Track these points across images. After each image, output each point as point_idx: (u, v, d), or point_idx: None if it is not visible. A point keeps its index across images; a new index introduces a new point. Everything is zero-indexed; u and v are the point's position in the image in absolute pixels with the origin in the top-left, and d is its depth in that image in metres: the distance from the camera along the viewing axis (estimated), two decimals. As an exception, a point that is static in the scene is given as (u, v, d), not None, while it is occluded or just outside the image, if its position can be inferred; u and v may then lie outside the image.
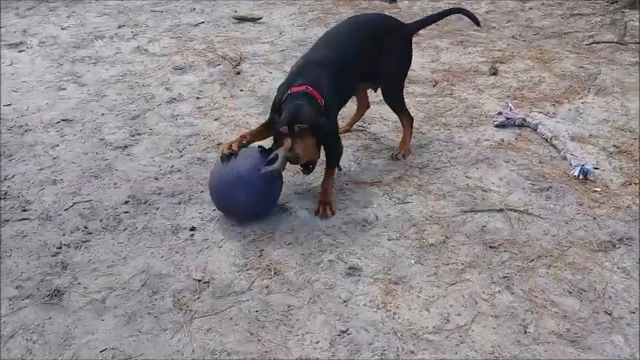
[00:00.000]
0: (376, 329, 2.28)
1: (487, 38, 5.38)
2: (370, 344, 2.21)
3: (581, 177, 3.15)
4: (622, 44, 5.06)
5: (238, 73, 4.79)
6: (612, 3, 6.20)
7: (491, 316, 2.33)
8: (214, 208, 3.03)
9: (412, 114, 3.54)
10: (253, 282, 2.55)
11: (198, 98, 4.39)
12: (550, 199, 3.02)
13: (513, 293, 2.43)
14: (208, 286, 2.53)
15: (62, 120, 4.05)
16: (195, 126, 3.97)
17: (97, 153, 3.66)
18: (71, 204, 3.13)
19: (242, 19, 6.16)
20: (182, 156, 3.61)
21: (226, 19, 6.19)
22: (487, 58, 4.91)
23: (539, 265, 2.58)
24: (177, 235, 2.88)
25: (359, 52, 3.19)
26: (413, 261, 2.64)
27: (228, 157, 2.87)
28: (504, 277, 2.52)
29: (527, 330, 2.25)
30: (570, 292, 2.42)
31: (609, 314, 2.30)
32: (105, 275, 2.61)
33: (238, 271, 2.62)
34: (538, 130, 3.66)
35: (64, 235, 2.90)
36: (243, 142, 2.99)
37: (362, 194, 3.13)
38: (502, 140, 3.62)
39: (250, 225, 2.88)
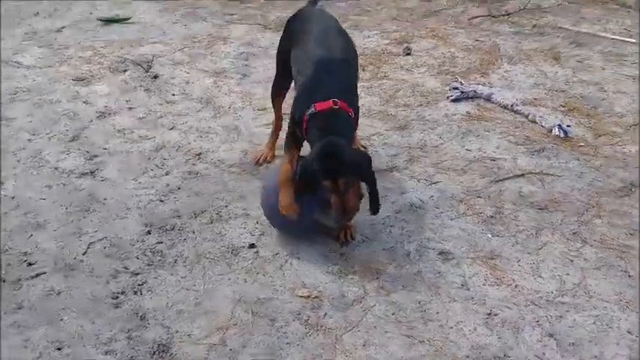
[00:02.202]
0: (514, 304, 2.35)
1: (372, 21, 5.58)
2: (523, 319, 2.28)
3: (562, 135, 3.50)
4: (495, 17, 5.64)
5: (156, 77, 4.39)
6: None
7: (593, 268, 2.54)
8: (256, 220, 2.81)
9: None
10: (365, 286, 2.44)
11: (130, 109, 3.95)
12: (552, 159, 3.33)
13: (592, 245, 2.67)
14: (323, 301, 2.36)
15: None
16: (153, 139, 3.58)
17: (64, 184, 3.13)
18: (86, 246, 2.65)
19: (109, 21, 5.60)
20: (168, 173, 3.25)
21: (88, 22, 5.58)
22: (390, 40, 5.12)
23: (590, 216, 2.86)
24: (240, 255, 2.62)
25: (349, 50, 2.97)
26: (489, 235, 2.74)
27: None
28: (574, 234, 2.75)
29: (630, 274, 2.50)
30: (632, 234, 2.73)
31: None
32: (202, 315, 2.29)
33: (340, 279, 2.48)
34: (492, 99, 3.97)
35: (108, 282, 2.46)
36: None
37: (390, 181, 3.13)
38: (468, 112, 3.86)
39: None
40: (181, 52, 4.90)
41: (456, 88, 4.04)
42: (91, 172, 3.24)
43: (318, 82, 2.57)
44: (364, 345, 2.16)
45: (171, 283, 2.45)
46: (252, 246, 2.67)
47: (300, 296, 2.38)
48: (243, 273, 2.50)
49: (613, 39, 5.09)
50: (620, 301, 2.36)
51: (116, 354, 2.11)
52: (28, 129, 3.65)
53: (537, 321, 2.27)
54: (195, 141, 3.56)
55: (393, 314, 2.30)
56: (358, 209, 2.47)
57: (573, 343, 2.17)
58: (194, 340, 2.17)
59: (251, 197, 3.00)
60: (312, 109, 2.46)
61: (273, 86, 3.20)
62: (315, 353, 2.12)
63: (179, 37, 5.23)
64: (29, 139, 3.54)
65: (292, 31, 2.96)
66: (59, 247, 2.65)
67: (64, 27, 5.41)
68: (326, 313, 2.30)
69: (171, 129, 3.70)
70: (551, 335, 2.20)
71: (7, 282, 2.42)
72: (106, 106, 3.96)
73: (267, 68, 4.52)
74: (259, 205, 2.77)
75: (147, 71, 4.46)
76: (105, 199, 3.00)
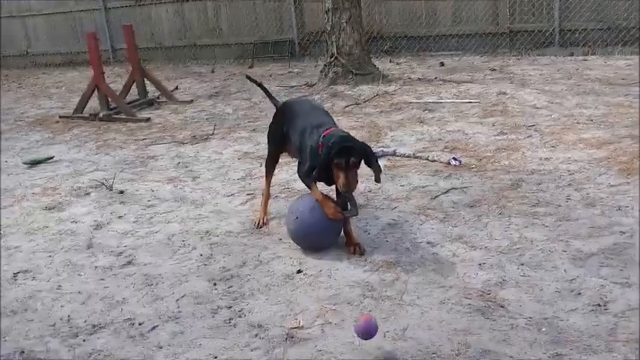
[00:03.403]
0: (491, 256, 3.53)
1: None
2: (501, 261, 3.45)
3: (458, 164, 4.92)
4: (359, 104, 7.17)
5: (122, 192, 5.11)
6: (311, 86, 8.39)
7: (523, 228, 3.83)
8: (289, 257, 3.72)
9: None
10: (393, 271, 3.47)
11: (120, 217, 4.63)
12: (460, 179, 4.68)
13: (515, 217, 3.98)
14: (373, 285, 3.34)
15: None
16: (160, 231, 4.32)
17: (115, 275, 3.76)
18: (175, 303, 3.36)
19: (35, 163, 6.17)
20: (194, 248, 4.01)
21: (14, 167, 6.11)
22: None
23: (504, 202, 4.20)
24: (294, 279, 3.50)
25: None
26: (450, 227, 3.94)
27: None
28: (500, 214, 4.05)
29: (546, 225, 3.84)
30: (534, 205, 4.11)
31: None
32: (300, 314, 3.14)
33: (375, 272, 3.48)
34: (397, 153, 5.32)
35: (213, 317, 3.20)
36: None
37: (362, 213, 4.23)
38: (385, 165, 5.14)
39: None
40: (124, 172, 5.64)
41: (369, 151, 5.32)
42: (129, 262, 3.89)
43: (318, 125, 3.68)
44: (418, 297, 3.16)
45: (261, 304, 3.25)
46: (299, 272, 3.56)
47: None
48: (306, 286, 3.39)
49: (450, 102, 6.84)
50: (548, 239, 3.64)
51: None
52: (39, 250, 4.17)
53: (510, 260, 3.45)
54: (196, 225, 4.35)
55: (423, 279, 3.34)
56: (357, 185, 3.48)
57: (535, 265, 3.38)
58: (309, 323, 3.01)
59: (272, 246, 3.89)
60: (321, 136, 3.50)
61: (267, 163, 4.20)
62: (389, 311, 3.07)
63: (111, 163, 5.97)
64: (49, 256, 4.07)
65: (284, 114, 4.06)
66: (152, 309, 3.31)
67: (-4, 176, 5.85)
68: (381, 290, 3.27)
69: (169, 222, 4.46)
70: (522, 264, 3.39)
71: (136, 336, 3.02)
72: (96, 220, 4.59)
73: (208, 169, 5.47)
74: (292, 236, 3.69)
75: (110, 189, 5.15)
76: (159, 274, 3.68)
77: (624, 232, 3.60)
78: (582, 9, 8.83)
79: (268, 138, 4.28)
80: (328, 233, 3.71)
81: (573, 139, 5.22)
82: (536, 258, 3.43)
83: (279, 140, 4.08)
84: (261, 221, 4.18)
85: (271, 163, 4.22)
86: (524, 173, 4.62)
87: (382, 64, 8.95)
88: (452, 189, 4.49)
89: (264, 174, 4.26)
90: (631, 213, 3.83)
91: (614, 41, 8.69)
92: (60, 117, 8.02)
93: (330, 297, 3.24)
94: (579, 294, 3.06)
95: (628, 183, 4.27)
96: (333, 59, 8.16)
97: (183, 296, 3.40)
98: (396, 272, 3.43)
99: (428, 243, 3.73)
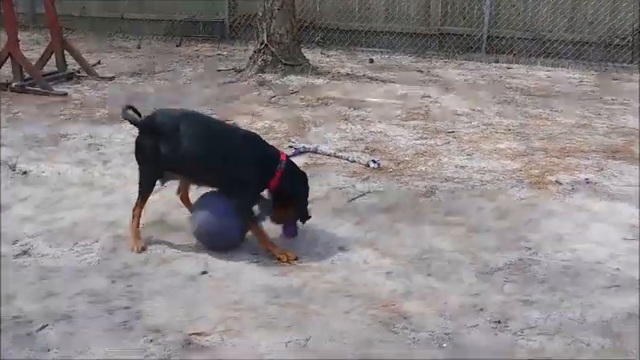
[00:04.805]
0: (400, 257, 3.55)
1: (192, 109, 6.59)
2: (411, 264, 3.47)
3: (376, 166, 4.92)
4: (286, 95, 7.08)
5: (25, 173, 4.83)
6: (239, 72, 8.23)
7: (436, 236, 3.87)
8: (194, 258, 3.60)
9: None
10: (300, 275, 3.42)
11: (22, 200, 4.37)
12: (377, 182, 4.67)
13: (429, 225, 4.01)
14: (278, 291, 3.28)
15: None
16: (62, 219, 4.10)
17: None
18: (70, 301, 3.19)
19: None
20: (97, 240, 3.82)
21: None
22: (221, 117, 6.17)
23: (417, 210, 4.23)
24: (200, 279, 3.39)
25: None
26: (364, 232, 3.93)
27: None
28: (413, 219, 4.08)
29: (470, 229, 3.89)
30: (440, 213, 4.16)
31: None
32: (204, 316, 3.03)
33: (284, 277, 3.42)
34: (318, 151, 5.26)
35: (110, 314, 3.05)
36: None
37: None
38: (306, 163, 5.08)
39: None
40: (32, 150, 5.33)
41: (291, 147, 5.26)
42: (25, 252, 3.66)
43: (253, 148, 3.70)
44: (324, 307, 3.12)
45: (161, 307, 3.12)
46: (204, 273, 3.45)
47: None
48: (210, 289, 3.29)
49: (375, 101, 6.85)
50: (456, 250, 3.68)
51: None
52: None
53: (418, 269, 3.47)
54: (103, 214, 4.15)
55: (330, 287, 3.30)
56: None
57: (442, 277, 3.40)
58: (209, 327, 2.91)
59: (179, 243, 3.75)
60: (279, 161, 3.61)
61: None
62: (293, 319, 3.02)
63: (19, 139, 5.63)
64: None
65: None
66: (43, 306, 3.11)
67: None
68: (287, 298, 3.20)
69: (74, 209, 4.23)
70: (429, 275, 3.41)
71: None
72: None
73: (121, 154, 5.25)
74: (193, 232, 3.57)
75: (13, 169, 4.85)
76: (56, 267, 3.48)
77: (530, 249, 3.69)
78: (511, 17, 9.03)
79: (141, 158, 3.73)
80: (235, 235, 3.61)
81: (489, 149, 5.33)
82: (444, 269, 3.46)
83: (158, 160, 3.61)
84: (139, 246, 3.66)
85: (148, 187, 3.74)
86: (439, 180, 4.67)
87: (312, 56, 8.87)
88: (368, 192, 4.49)
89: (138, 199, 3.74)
90: (538, 229, 3.93)
91: (537, 52, 8.95)
92: (-33, 84, 7.48)
93: (233, 302, 3.16)
94: (481, 310, 3.10)
95: (537, 197, 4.39)
96: (263, 47, 8.01)
97: (78, 293, 3.23)
98: (304, 278, 3.37)
99: (339, 248, 3.70)
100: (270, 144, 3.79)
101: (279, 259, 3.53)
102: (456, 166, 4.95)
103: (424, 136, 5.67)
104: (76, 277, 3.38)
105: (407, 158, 5.12)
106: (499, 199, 4.35)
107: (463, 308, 3.12)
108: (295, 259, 3.55)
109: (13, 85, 7.23)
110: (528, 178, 4.70)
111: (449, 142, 5.48)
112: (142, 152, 3.71)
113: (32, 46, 9.74)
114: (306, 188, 3.71)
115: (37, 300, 3.16)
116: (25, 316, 3.02)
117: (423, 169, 4.89)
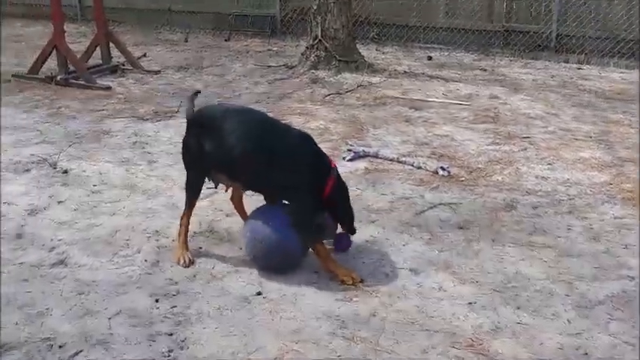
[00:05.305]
0: (482, 293, 3.05)
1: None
2: (493, 301, 2.98)
3: (446, 174, 4.41)
4: (341, 93, 6.62)
5: (66, 172, 4.51)
6: (290, 68, 7.81)
7: (520, 260, 3.36)
8: (249, 272, 3.18)
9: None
10: (369, 304, 2.96)
11: (60, 202, 4.04)
12: (448, 192, 4.18)
13: (510, 246, 3.51)
14: (345, 321, 2.83)
15: None
16: (101, 225, 3.74)
17: (41, 276, 3.18)
18: (107, 321, 2.80)
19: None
20: (139, 250, 3.45)
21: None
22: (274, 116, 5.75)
23: (498, 227, 3.72)
24: (253, 302, 2.97)
25: None
26: (436, 251, 3.44)
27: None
28: (493, 240, 3.57)
29: (544, 260, 3.37)
30: (531, 233, 3.64)
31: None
32: (254, 352, 2.61)
33: (348, 302, 2.96)
34: (379, 155, 4.79)
35: (150, 346, 2.66)
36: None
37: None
38: (366, 168, 4.62)
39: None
40: (73, 147, 5.01)
41: (350, 150, 4.80)
42: (61, 261, 3.30)
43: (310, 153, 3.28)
44: (397, 342, 2.66)
45: (209, 334, 2.71)
46: (258, 294, 3.02)
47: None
48: (266, 313, 2.86)
49: (438, 102, 6.32)
50: (547, 278, 3.18)
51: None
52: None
53: (505, 301, 2.97)
54: (144, 221, 3.78)
55: (403, 318, 2.83)
56: None
57: (534, 310, 2.90)
58: (261, 370, 2.48)
59: (231, 256, 3.35)
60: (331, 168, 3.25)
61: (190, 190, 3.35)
62: (363, 357, 2.56)
63: (60, 135, 5.32)
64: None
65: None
66: (79, 327, 2.74)
67: None
68: (354, 329, 2.75)
69: (114, 215, 3.87)
70: (518, 308, 2.91)
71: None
72: (31, 204, 3.98)
73: (168, 153, 4.88)
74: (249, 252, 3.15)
75: (54, 167, 4.52)
76: (93, 281, 3.11)
77: (633, 278, 3.15)
78: (582, 14, 8.38)
79: (188, 158, 3.34)
80: (297, 255, 3.19)
81: (572, 158, 4.77)
82: (535, 301, 2.96)
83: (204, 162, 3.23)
84: (187, 259, 3.27)
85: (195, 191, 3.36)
86: (520, 193, 4.15)
87: (367, 52, 8.39)
88: (439, 204, 4.00)
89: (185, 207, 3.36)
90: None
91: (610, 52, 8.27)
92: (13, 76, 7.27)
93: (293, 332, 2.73)
94: (586, 354, 2.59)
95: (634, 216, 3.82)
96: (316, 42, 7.57)
97: (117, 313, 2.85)
98: (372, 305, 2.92)
99: (411, 270, 3.23)
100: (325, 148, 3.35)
101: (342, 281, 3.07)
102: (537, 177, 4.41)
103: (496, 141, 5.14)
104: (115, 292, 3.01)
105: (480, 166, 4.61)
106: (590, 218, 3.81)
107: (564, 351, 2.62)
108: (361, 282, 3.09)
109: (58, 78, 6.97)
110: (621, 194, 4.14)
111: (525, 149, 4.94)
112: (189, 152, 3.30)
113: (79, 39, 9.53)
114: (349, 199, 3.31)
115: (72, 319, 2.80)
116: (57, 338, 2.65)
117: (500, 178, 4.37)
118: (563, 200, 4.05)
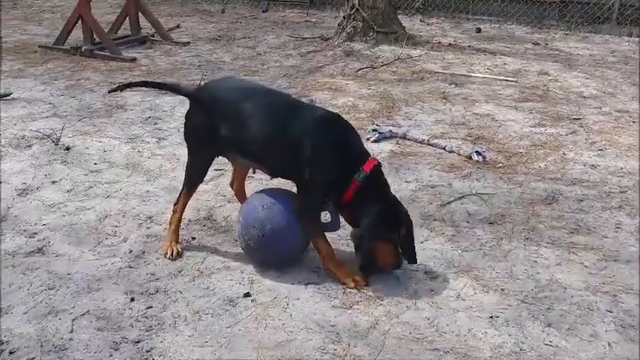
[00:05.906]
0: (508, 305, 2.58)
1: (263, 79, 5.78)
2: (520, 316, 2.51)
3: (481, 160, 3.91)
4: (375, 67, 6.12)
5: (68, 149, 4.21)
6: (325, 40, 7.34)
7: (555, 265, 2.86)
8: (240, 270, 2.80)
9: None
10: (372, 313, 2.53)
11: (54, 182, 3.75)
12: (481, 181, 3.70)
13: (545, 247, 3.01)
14: (340, 333, 2.42)
15: None
16: (92, 209, 3.43)
17: (13, 266, 2.88)
18: (70, 323, 2.48)
19: (-12, 98, 5.27)
20: (125, 239, 3.12)
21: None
22: (299, 92, 5.31)
23: (534, 223, 3.22)
24: (238, 305, 2.59)
25: None
26: (459, 250, 2.98)
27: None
28: (527, 239, 3.07)
29: (586, 264, 2.85)
30: (572, 232, 3.12)
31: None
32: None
33: (346, 310, 2.55)
34: (408, 136, 4.31)
35: (111, 355, 2.32)
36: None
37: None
38: (392, 150, 4.16)
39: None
40: (82, 122, 4.73)
41: (375, 130, 4.33)
42: (39, 250, 3.01)
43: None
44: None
45: (181, 343, 2.35)
46: (246, 295, 2.64)
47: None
48: (251, 319, 2.48)
49: (481, 77, 5.76)
50: (587, 288, 2.68)
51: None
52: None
53: (533, 315, 2.50)
54: (139, 206, 3.45)
55: (409, 333, 2.40)
56: None
57: (568, 329, 2.42)
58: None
59: (225, 250, 2.98)
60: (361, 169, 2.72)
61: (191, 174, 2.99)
62: (355, 380, 2.16)
63: (73, 109, 5.05)
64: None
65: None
66: (38, 329, 2.43)
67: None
68: (349, 344, 2.34)
69: (108, 197, 3.56)
70: (549, 325, 2.44)
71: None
72: (24, 183, 3.71)
73: (180, 130, 4.50)
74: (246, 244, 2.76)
75: (56, 144, 4.25)
76: (68, 274, 2.80)
77: (694, 292, 2.62)
78: (649, -18, 7.58)
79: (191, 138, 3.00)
80: (296, 251, 2.80)
81: (628, 144, 4.18)
82: (570, 317, 2.48)
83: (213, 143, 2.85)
84: (174, 251, 2.91)
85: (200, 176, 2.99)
86: (564, 183, 3.62)
87: (410, 23, 7.84)
88: (469, 194, 3.51)
89: (182, 190, 2.99)
90: None
91: (681, 24, 7.46)
92: (39, 47, 7.08)
93: (277, 345, 2.34)
94: (630, 390, 2.10)
95: (698, 214, 3.25)
96: (353, 11, 7.07)
97: (84, 313, 2.53)
98: (374, 315, 2.49)
99: (426, 273, 2.79)
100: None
101: (344, 283, 2.66)
102: (585, 165, 3.86)
103: (543, 122, 4.58)
104: (88, 289, 2.69)
105: (521, 150, 4.08)
106: (645, 215, 3.25)
107: (601, 384, 2.13)
108: (366, 286, 2.66)
109: (83, 49, 6.72)
110: (684, 187, 3.55)
111: (575, 132, 4.37)
112: (191, 131, 2.91)
113: (114, 10, 9.29)
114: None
115: (33, 319, 2.49)
116: (10, 342, 2.34)
117: (542, 165, 3.84)
118: (613, 193, 3.50)
